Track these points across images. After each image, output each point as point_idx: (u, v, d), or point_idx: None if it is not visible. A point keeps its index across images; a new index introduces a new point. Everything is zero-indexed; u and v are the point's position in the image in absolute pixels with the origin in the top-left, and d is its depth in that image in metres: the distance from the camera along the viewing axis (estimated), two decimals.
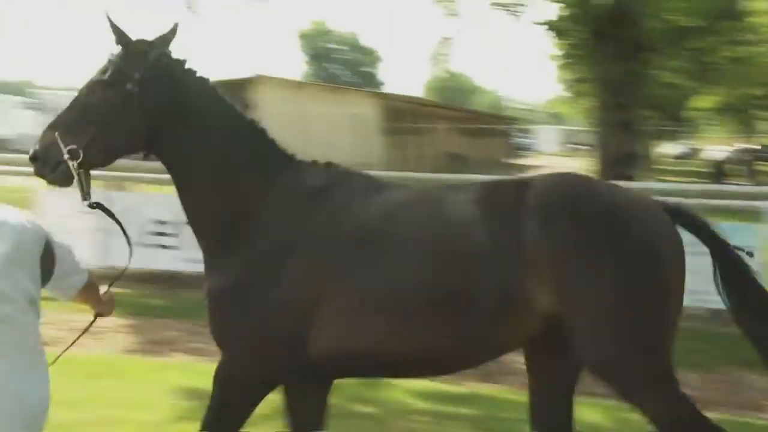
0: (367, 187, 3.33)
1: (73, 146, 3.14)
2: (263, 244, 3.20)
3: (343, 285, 3.10)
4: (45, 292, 2.85)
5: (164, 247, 9.48)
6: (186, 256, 9.23)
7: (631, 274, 2.95)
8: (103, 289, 3.24)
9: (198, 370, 5.73)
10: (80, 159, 3.16)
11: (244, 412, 3.25)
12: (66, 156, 3.15)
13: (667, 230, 3.12)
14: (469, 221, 3.07)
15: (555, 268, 2.95)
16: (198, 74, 3.39)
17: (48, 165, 3.21)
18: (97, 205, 3.31)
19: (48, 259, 2.84)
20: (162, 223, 9.51)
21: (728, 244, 3.24)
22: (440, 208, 3.16)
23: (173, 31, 3.34)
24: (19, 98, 41.65)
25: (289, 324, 3.12)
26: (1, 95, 43.01)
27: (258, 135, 3.41)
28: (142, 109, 3.22)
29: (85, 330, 3.31)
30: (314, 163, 3.44)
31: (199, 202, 3.35)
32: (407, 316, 3.06)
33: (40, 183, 3.53)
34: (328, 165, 3.44)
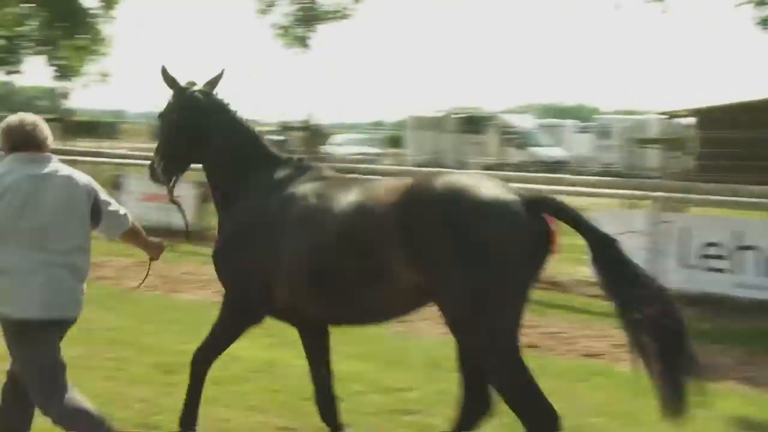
0: (312, 179, 4.46)
1: (155, 161, 4.88)
2: (241, 221, 4.54)
3: (284, 256, 4.24)
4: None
5: (716, 270, 9.43)
6: (738, 280, 9.03)
7: (473, 260, 3.71)
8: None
9: (752, 398, 5.61)
10: (160, 168, 4.85)
11: (231, 338, 4.69)
12: (155, 167, 4.88)
13: (510, 223, 3.75)
14: (363, 213, 4.00)
15: (419, 255, 3.82)
16: (220, 101, 4.75)
17: (152, 174, 4.99)
18: (175, 202, 5.02)
19: (95, 208, 4.07)
20: (714, 245, 9.47)
21: (595, 228, 3.81)
22: (346, 200, 4.12)
23: (220, 75, 4.80)
24: (575, 122, 44.70)
25: (257, 279, 4.40)
26: (561, 120, 46.66)
27: (251, 140, 4.72)
28: (180, 129, 4.73)
29: (147, 271, 4.80)
30: (288, 160, 4.65)
31: (213, 187, 4.85)
32: (316, 283, 4.14)
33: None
34: (298, 161, 4.68)
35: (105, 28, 22.28)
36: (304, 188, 4.40)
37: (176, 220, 9.30)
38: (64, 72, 23.56)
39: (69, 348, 6.27)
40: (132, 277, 10.26)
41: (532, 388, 3.79)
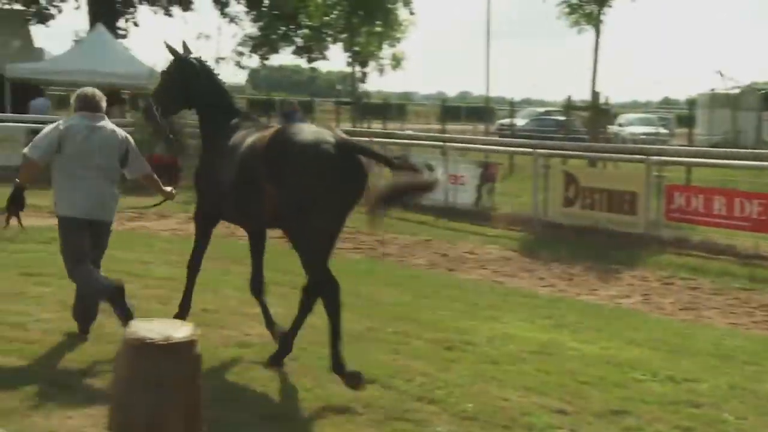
0: (245, 128, 6.07)
1: (155, 105, 6.58)
2: (205, 156, 6.42)
3: (220, 179, 5.95)
4: None
5: None
6: None
7: (291, 179, 5.39)
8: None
9: None
10: (159, 111, 6.56)
11: (204, 237, 6.61)
12: (155, 110, 6.56)
13: (316, 156, 5.34)
14: (251, 150, 5.70)
15: (271, 176, 5.47)
16: (206, 66, 6.49)
17: (150, 115, 6.67)
18: (169, 138, 7.36)
19: (126, 152, 6.39)
20: None
21: (386, 156, 5.80)
22: (247, 143, 5.79)
23: (187, 50, 6.55)
24: None
25: (211, 194, 6.22)
26: None
27: (225, 96, 6.44)
28: (175, 82, 6.50)
29: (160, 202, 7.15)
30: (240, 113, 6.39)
31: (200, 126, 6.57)
32: (230, 196, 5.88)
33: None
34: (245, 115, 6.45)
35: (401, 14, 23.24)
36: (237, 135, 6.03)
37: (460, 200, 9.42)
38: (361, 57, 25.07)
39: (356, 322, 6.76)
40: (416, 255, 10.74)
41: (324, 271, 5.82)
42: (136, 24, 34.00)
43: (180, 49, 6.58)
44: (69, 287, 7.62)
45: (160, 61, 18.72)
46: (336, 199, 5.46)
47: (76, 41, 30.45)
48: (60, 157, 6.13)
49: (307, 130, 5.57)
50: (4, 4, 31.28)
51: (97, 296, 6.17)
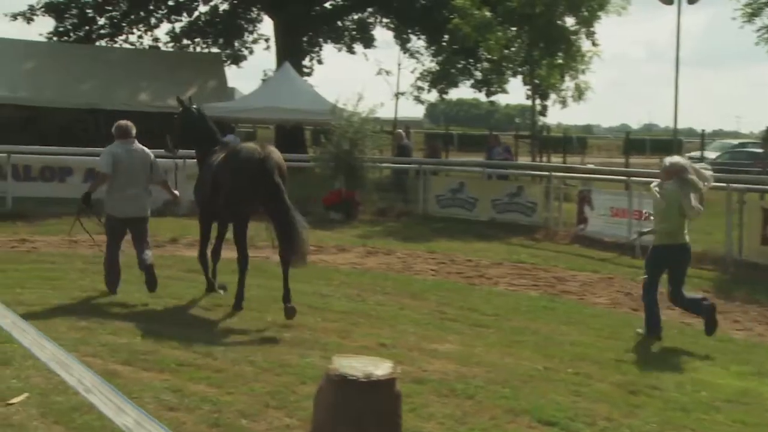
0: (222, 151, 8.91)
1: (170, 141, 9.68)
2: (201, 174, 9.12)
3: (215, 187, 8.59)
4: None
5: None
6: None
7: (229, 179, 8.41)
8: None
9: None
10: (172, 145, 9.69)
11: (205, 234, 9.12)
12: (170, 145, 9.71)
13: (241, 165, 8.31)
14: (219, 164, 8.71)
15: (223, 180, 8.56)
16: (201, 113, 9.57)
17: (167, 147, 9.75)
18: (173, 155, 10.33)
19: (151, 165, 9.09)
20: None
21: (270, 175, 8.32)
22: (218, 159, 8.76)
23: (190, 102, 9.70)
24: None
25: (205, 202, 8.90)
26: None
27: (213, 133, 9.42)
28: (180, 126, 9.59)
29: (175, 198, 9.58)
30: (221, 141, 9.36)
31: (197, 155, 9.53)
32: (211, 198, 8.70)
33: None
34: (224, 142, 9.39)
35: (582, 46, 22.86)
36: (216, 156, 8.87)
37: (645, 237, 9.05)
38: (541, 90, 24.83)
39: (534, 361, 6.62)
40: (597, 293, 10.42)
41: (241, 242, 8.67)
42: (320, 62, 35.61)
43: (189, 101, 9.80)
44: (256, 318, 7.99)
45: (343, 96, 19.45)
46: (245, 192, 8.38)
47: (264, 80, 32.22)
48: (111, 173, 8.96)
49: (245, 147, 8.65)
50: (203, 48, 33.74)
51: (109, 283, 8.88)
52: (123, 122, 9.19)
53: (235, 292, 8.55)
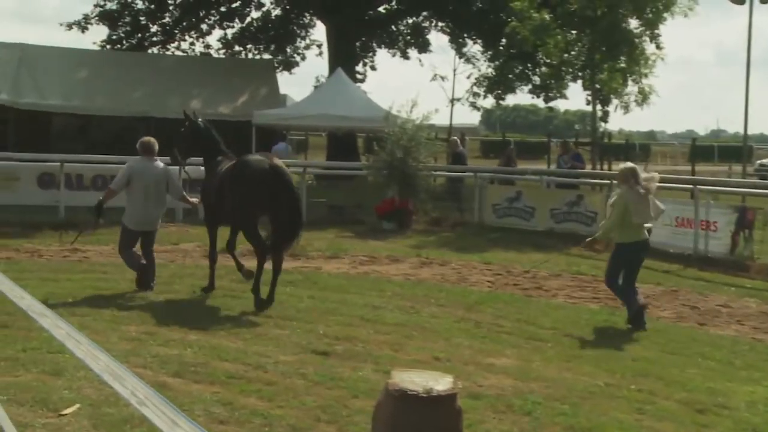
0: (225, 161, 9.96)
1: (177, 152, 10.56)
2: (209, 181, 10.06)
3: (219, 196, 9.67)
4: None
5: None
6: None
7: (236, 188, 9.35)
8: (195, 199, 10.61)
9: None
10: (180, 156, 10.56)
11: (212, 237, 10.15)
12: (177, 155, 10.56)
13: (252, 174, 9.24)
14: (224, 173, 9.74)
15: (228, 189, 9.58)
16: (206, 126, 10.48)
17: (173, 159, 10.63)
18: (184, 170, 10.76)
19: (168, 181, 10.13)
20: None
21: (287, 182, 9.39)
22: (223, 169, 9.82)
23: (195, 116, 10.65)
24: None
25: (210, 206, 10.00)
26: None
27: (217, 143, 10.29)
28: (186, 138, 10.47)
29: (196, 204, 10.77)
30: (225, 152, 10.21)
31: (205, 165, 10.43)
32: (216, 204, 9.74)
33: None
34: (227, 153, 10.21)
35: (646, 49, 22.54)
36: (221, 165, 9.86)
37: (712, 248, 8.83)
38: (602, 95, 24.55)
39: (595, 377, 6.54)
40: (662, 306, 10.25)
41: (257, 239, 9.45)
42: (373, 67, 35.81)
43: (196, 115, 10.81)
44: (307, 330, 8.06)
45: (396, 103, 19.48)
46: (259, 199, 9.30)
47: (316, 86, 32.51)
48: (129, 187, 9.98)
49: (252, 158, 9.68)
50: (255, 54, 34.21)
51: (133, 268, 9.98)
52: (146, 139, 10.20)
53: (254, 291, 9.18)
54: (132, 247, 10.07)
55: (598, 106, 24.61)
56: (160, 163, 10.24)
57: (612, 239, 9.63)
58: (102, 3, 32.32)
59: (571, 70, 24.27)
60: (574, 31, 22.82)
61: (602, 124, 26.48)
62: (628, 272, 9.20)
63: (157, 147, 10.17)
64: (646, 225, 9.22)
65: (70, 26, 32.43)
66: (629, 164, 9.51)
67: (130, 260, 10.05)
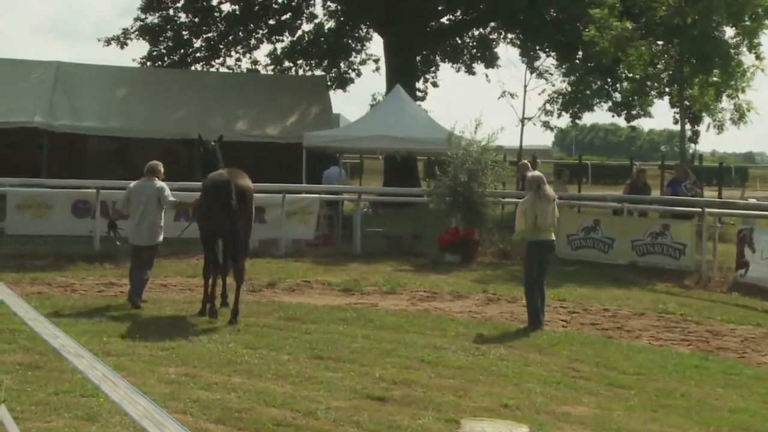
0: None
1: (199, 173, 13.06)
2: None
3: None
4: None
5: None
6: None
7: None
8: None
9: None
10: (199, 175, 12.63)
11: (209, 250, 11.14)
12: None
13: (203, 191, 11.14)
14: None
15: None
16: (212, 147, 12.09)
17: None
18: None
19: (160, 196, 11.60)
20: None
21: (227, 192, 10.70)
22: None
23: (220, 138, 12.55)
24: None
25: (205, 220, 11.23)
26: None
27: (217, 161, 11.78)
28: (201, 161, 12.51)
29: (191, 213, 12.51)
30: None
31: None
32: (205, 216, 11.12)
33: None
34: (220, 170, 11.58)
35: (744, 60, 22.14)
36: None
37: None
38: (692, 112, 24.24)
39: (685, 429, 6.44)
40: (762, 351, 10.03)
41: (206, 253, 11.26)
42: (435, 84, 35.99)
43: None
44: (362, 373, 8.08)
45: (460, 122, 19.47)
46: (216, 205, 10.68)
47: (372, 105, 32.76)
48: (130, 205, 11.58)
49: (216, 174, 11.02)
50: (306, 70, 34.66)
51: (130, 283, 11.44)
52: (151, 162, 12.03)
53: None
54: (138, 262, 11.50)
55: (688, 125, 24.34)
56: (158, 182, 11.67)
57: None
58: (143, 17, 33.13)
59: (656, 85, 24.06)
60: (660, 42, 22.64)
61: (692, 145, 26.20)
62: (540, 271, 11.17)
63: (160, 169, 11.86)
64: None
65: (108, 42, 33.31)
66: (537, 173, 12.09)
67: (136, 277, 11.44)
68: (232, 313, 10.42)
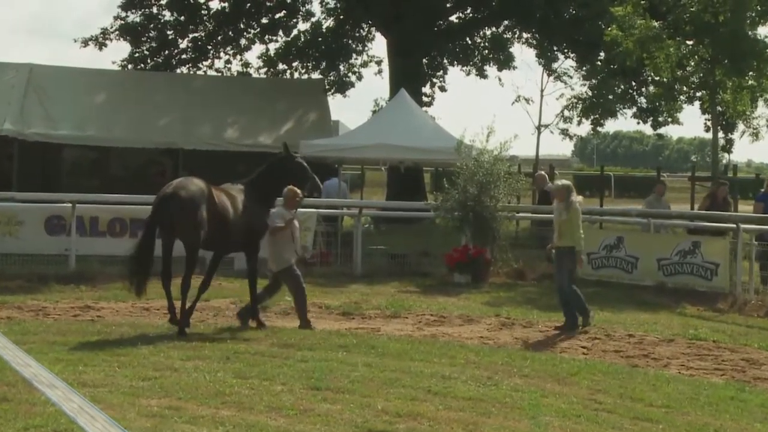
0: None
1: None
2: None
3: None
4: None
5: None
6: None
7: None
8: None
9: None
10: None
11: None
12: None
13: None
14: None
15: None
16: (284, 153, 13.07)
17: None
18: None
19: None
20: None
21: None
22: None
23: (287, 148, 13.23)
24: None
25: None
26: None
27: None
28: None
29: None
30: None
31: None
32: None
33: None
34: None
35: None
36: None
37: None
38: (725, 119, 24.24)
39: None
40: None
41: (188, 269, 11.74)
42: (443, 89, 36.04)
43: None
44: (363, 405, 8.06)
45: (470, 130, 19.52)
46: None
47: (375, 111, 32.79)
48: None
49: (179, 181, 11.85)
50: (302, 73, 34.70)
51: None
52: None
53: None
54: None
55: (720, 133, 24.33)
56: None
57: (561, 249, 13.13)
58: (123, 15, 33.21)
59: (685, 89, 24.09)
60: (689, 42, 22.66)
61: (725, 155, 26.19)
62: (571, 276, 13.12)
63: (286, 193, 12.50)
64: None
65: (86, 42, 33.41)
66: (566, 182, 13.89)
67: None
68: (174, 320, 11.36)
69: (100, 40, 33.32)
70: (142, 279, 11.45)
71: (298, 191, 12.39)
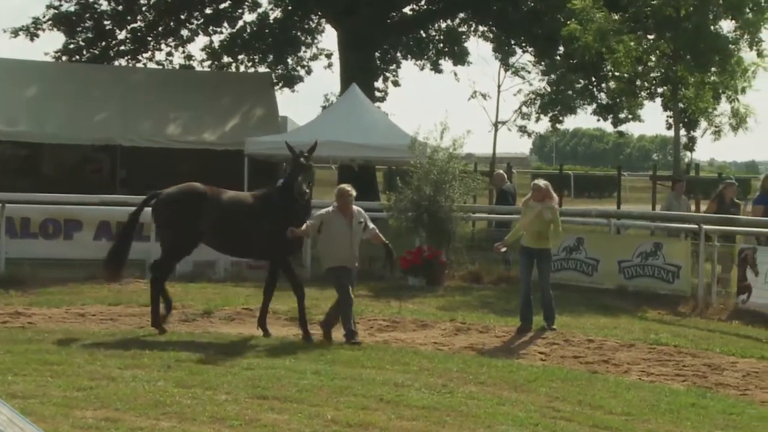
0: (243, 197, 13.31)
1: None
2: None
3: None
4: None
5: None
6: None
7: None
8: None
9: None
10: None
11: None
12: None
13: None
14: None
15: None
16: (298, 154, 12.59)
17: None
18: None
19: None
20: None
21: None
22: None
23: (313, 148, 13.04)
24: None
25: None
26: None
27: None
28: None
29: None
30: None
31: None
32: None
33: None
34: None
35: (744, 57, 22.29)
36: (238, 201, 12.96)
37: None
38: (687, 116, 24.47)
39: None
40: (765, 388, 10.16)
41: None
42: (396, 83, 36.06)
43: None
44: (311, 414, 8.05)
45: (424, 127, 19.50)
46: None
47: (324, 107, 32.76)
48: None
49: (183, 188, 12.41)
50: (248, 67, 34.55)
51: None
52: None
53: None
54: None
55: (682, 131, 24.58)
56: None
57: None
58: (57, 4, 32.78)
59: (646, 84, 24.32)
60: (650, 36, 22.88)
61: (687, 153, 26.48)
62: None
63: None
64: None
65: (16, 33, 32.93)
66: (543, 181, 13.67)
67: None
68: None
69: (31, 30, 32.80)
70: (116, 267, 12.35)
71: (347, 188, 12.57)
